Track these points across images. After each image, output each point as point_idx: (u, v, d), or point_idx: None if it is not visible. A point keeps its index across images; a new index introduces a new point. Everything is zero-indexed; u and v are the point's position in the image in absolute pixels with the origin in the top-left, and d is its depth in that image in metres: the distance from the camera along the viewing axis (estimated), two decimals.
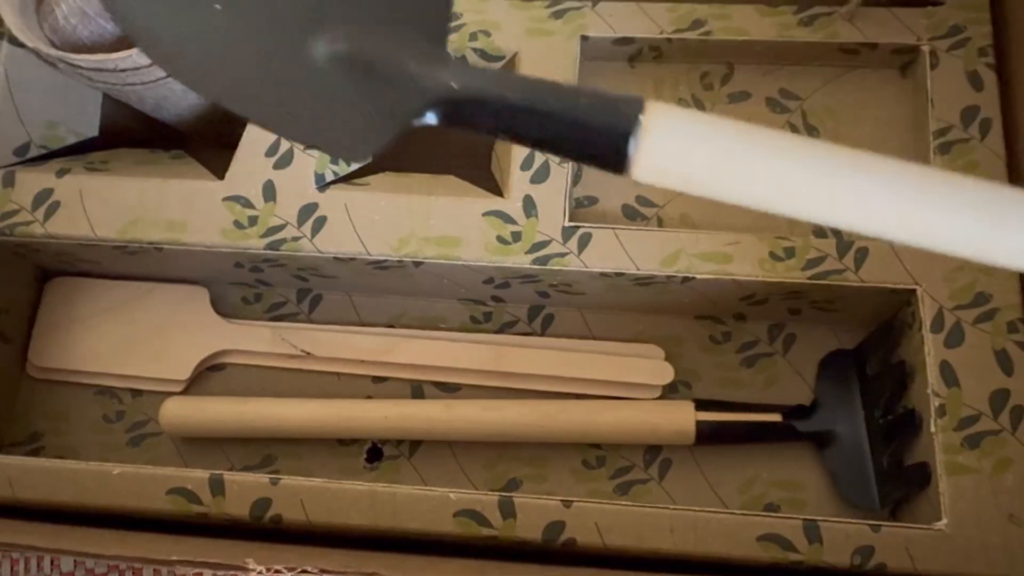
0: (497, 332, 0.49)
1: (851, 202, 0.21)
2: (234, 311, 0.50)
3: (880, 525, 0.38)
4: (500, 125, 0.24)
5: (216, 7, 0.26)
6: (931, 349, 0.41)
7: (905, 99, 0.48)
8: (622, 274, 0.43)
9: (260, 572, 0.39)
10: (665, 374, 0.46)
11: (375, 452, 0.47)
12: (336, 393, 0.48)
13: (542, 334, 0.49)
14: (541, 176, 0.45)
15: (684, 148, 0.21)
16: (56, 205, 0.46)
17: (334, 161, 0.46)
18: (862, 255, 0.43)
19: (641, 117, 0.21)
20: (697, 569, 0.39)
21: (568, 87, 0.23)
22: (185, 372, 0.48)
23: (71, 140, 0.49)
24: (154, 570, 0.50)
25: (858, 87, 0.49)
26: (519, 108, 0.23)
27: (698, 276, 0.43)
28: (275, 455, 0.48)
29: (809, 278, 0.43)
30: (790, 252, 0.43)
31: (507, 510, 0.40)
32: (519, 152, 0.45)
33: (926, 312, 0.42)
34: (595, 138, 0.22)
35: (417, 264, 0.44)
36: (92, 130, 0.49)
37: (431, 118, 0.24)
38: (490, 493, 0.40)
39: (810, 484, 0.45)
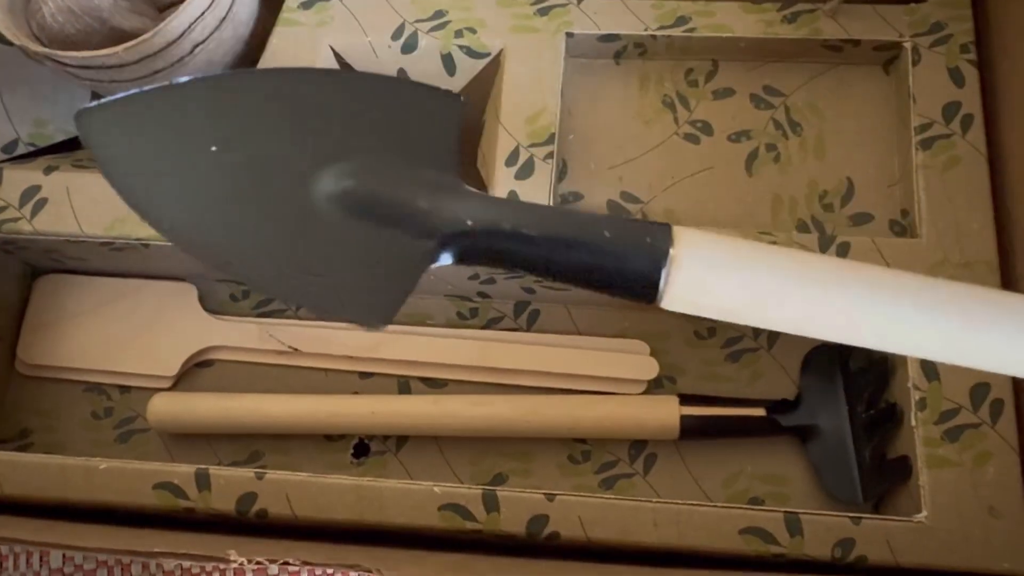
0: (483, 328, 0.49)
1: (877, 327, 0.21)
2: (222, 308, 0.50)
3: (861, 518, 0.38)
4: (519, 262, 0.22)
5: (212, 149, 0.24)
6: None
7: (888, 95, 0.48)
8: None
9: (241, 563, 0.39)
10: (650, 369, 0.46)
11: (362, 447, 0.48)
12: (323, 389, 0.48)
13: (528, 330, 0.49)
14: (526, 172, 0.45)
15: (714, 280, 0.21)
16: (43, 202, 0.46)
17: None
18: (843, 250, 0.43)
19: (671, 251, 0.20)
20: (680, 562, 0.39)
21: (590, 217, 0.21)
22: (173, 369, 0.48)
23: (59, 138, 0.49)
24: (142, 564, 0.50)
25: (841, 83, 0.49)
26: (540, 242, 0.21)
27: None
28: (262, 451, 0.48)
29: None
30: None
31: (491, 504, 0.40)
32: (504, 147, 0.45)
33: None
34: (624, 272, 0.21)
35: None
36: None
37: (447, 259, 0.23)
38: (474, 487, 0.40)
39: (794, 478, 0.45)
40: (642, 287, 0.21)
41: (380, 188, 0.23)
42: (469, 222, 0.22)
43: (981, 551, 0.38)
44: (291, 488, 0.41)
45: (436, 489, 0.40)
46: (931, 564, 0.38)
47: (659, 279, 0.20)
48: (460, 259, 0.23)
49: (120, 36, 0.44)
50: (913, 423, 0.40)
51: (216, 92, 0.25)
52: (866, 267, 0.22)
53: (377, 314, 0.23)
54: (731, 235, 0.42)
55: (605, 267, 0.21)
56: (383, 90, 0.26)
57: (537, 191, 0.44)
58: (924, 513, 0.39)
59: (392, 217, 0.23)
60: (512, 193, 0.44)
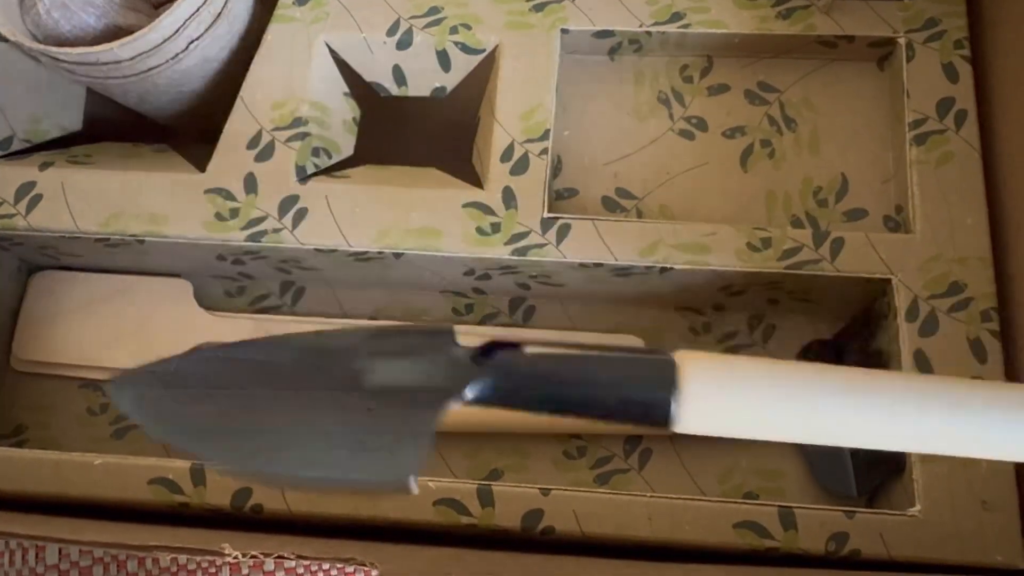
0: (479, 324, 0.49)
1: (886, 433, 0.22)
2: (217, 304, 0.50)
3: (854, 511, 0.38)
4: (530, 407, 0.23)
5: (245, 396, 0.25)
6: (905, 338, 0.41)
7: (882, 91, 0.48)
8: (600, 265, 0.43)
9: (236, 557, 0.39)
10: None
11: None
12: None
13: (523, 325, 0.49)
14: (520, 168, 0.45)
15: (723, 403, 0.21)
16: (38, 198, 0.45)
17: (315, 154, 0.46)
18: (838, 245, 0.43)
19: (677, 379, 0.21)
20: (675, 556, 0.39)
21: (594, 366, 0.22)
22: None
23: (55, 134, 0.48)
24: (138, 560, 0.49)
25: (836, 79, 0.49)
26: (546, 399, 0.23)
27: (676, 267, 0.43)
28: None
29: (786, 268, 0.43)
30: (767, 242, 0.43)
31: (486, 498, 0.40)
32: (499, 144, 0.45)
33: (901, 301, 0.42)
34: (636, 414, 0.22)
35: (397, 256, 0.44)
36: (76, 124, 0.49)
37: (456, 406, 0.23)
38: (468, 482, 0.40)
39: (789, 473, 0.45)
40: (654, 422, 0.22)
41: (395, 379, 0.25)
42: (469, 396, 0.23)
43: (974, 544, 0.38)
44: None
45: (431, 484, 0.40)
46: (925, 557, 0.38)
47: (669, 415, 0.22)
48: (476, 404, 0.24)
49: (115, 32, 0.44)
50: None
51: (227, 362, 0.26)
52: (862, 374, 0.23)
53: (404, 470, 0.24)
54: (725, 229, 0.42)
55: (617, 413, 0.22)
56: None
57: (532, 187, 0.44)
58: (918, 507, 0.38)
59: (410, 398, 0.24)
60: (507, 189, 0.44)
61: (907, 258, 0.42)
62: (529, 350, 0.23)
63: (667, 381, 0.21)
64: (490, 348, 0.24)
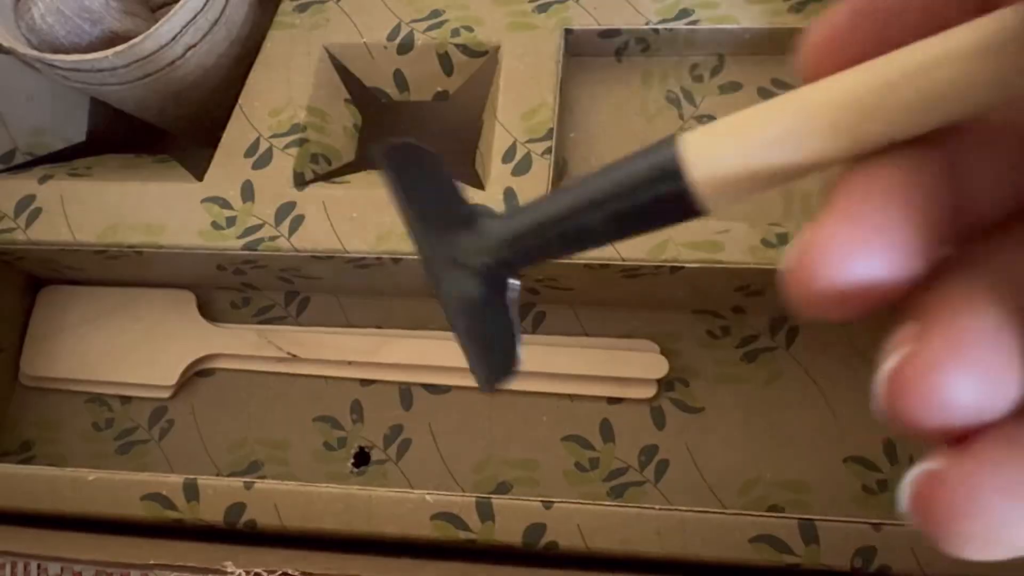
0: None
1: None
2: (222, 316, 0.46)
3: (882, 524, 0.33)
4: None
5: None
6: None
7: None
8: (607, 265, 0.39)
9: (240, 575, 0.36)
10: (659, 367, 0.42)
11: (362, 456, 0.43)
12: (323, 396, 0.44)
13: (534, 332, 0.44)
14: (523, 168, 0.41)
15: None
16: (38, 211, 0.42)
17: (314, 160, 0.43)
18: None
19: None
20: (687, 572, 0.34)
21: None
22: (172, 378, 0.44)
23: (58, 146, 0.45)
24: (141, 575, 0.46)
25: None
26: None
27: (687, 265, 0.38)
28: (262, 461, 0.44)
29: None
30: (783, 238, 0.38)
31: (485, 512, 0.35)
32: (500, 144, 0.41)
33: None
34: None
35: (396, 261, 0.40)
36: (79, 136, 0.46)
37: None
38: (467, 495, 0.36)
39: (815, 485, 0.40)
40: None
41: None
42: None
43: (1015, 560, 0.32)
44: (280, 498, 0.37)
45: (428, 497, 0.36)
46: (961, 574, 0.32)
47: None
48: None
49: (112, 38, 0.41)
50: None
51: None
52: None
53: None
54: (738, 226, 0.37)
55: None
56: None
57: (534, 187, 0.40)
58: None
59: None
60: (508, 190, 0.40)
61: None
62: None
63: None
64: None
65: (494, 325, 0.20)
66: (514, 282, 0.20)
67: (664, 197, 0.18)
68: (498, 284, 0.20)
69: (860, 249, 0.15)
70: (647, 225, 0.19)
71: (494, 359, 0.21)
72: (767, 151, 0.17)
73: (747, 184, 0.18)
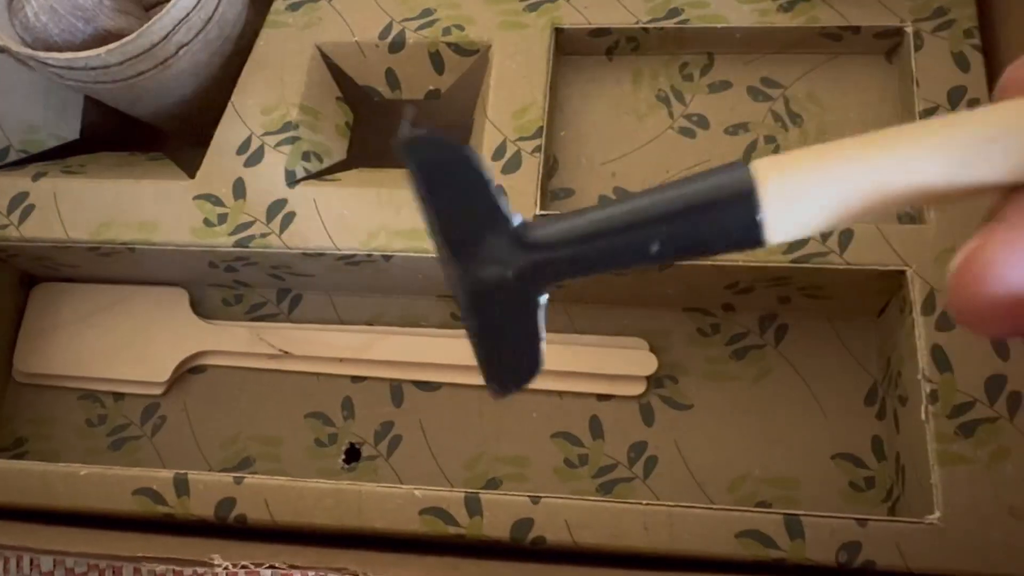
0: None
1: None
2: (214, 313, 0.47)
3: (867, 519, 0.33)
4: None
5: None
6: (922, 333, 0.36)
7: (891, 84, 0.44)
8: None
9: (226, 568, 0.36)
10: (648, 364, 0.42)
11: (353, 453, 0.43)
12: (314, 393, 0.44)
13: None
14: (513, 166, 0.41)
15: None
16: (31, 208, 0.42)
17: (306, 158, 0.43)
18: (847, 237, 0.38)
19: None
20: (674, 567, 0.34)
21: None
22: (164, 374, 0.44)
23: (52, 144, 0.46)
24: (134, 568, 0.46)
25: (843, 73, 0.44)
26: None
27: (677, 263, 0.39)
28: (253, 457, 0.44)
29: (792, 261, 0.38)
30: None
31: (474, 508, 0.35)
32: (491, 141, 0.41)
33: (916, 294, 0.37)
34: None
35: (387, 258, 0.40)
36: (73, 133, 0.46)
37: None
38: (456, 490, 0.36)
39: (803, 482, 0.40)
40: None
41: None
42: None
43: (1000, 554, 0.33)
44: (269, 493, 0.37)
45: (417, 493, 0.36)
46: (945, 569, 0.32)
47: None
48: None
49: (105, 36, 0.41)
50: (924, 417, 0.35)
51: None
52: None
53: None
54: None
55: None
56: None
57: (525, 185, 0.40)
58: (937, 514, 0.33)
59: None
60: (498, 188, 0.40)
61: (921, 249, 0.38)
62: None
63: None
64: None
65: (518, 331, 0.20)
66: (546, 290, 0.20)
67: (737, 245, 0.18)
68: (531, 290, 0.19)
69: None
70: (703, 257, 0.18)
71: (513, 365, 0.20)
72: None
73: (823, 230, 0.17)
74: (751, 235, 0.17)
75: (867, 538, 0.33)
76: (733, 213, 0.17)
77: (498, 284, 0.19)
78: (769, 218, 0.17)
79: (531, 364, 0.20)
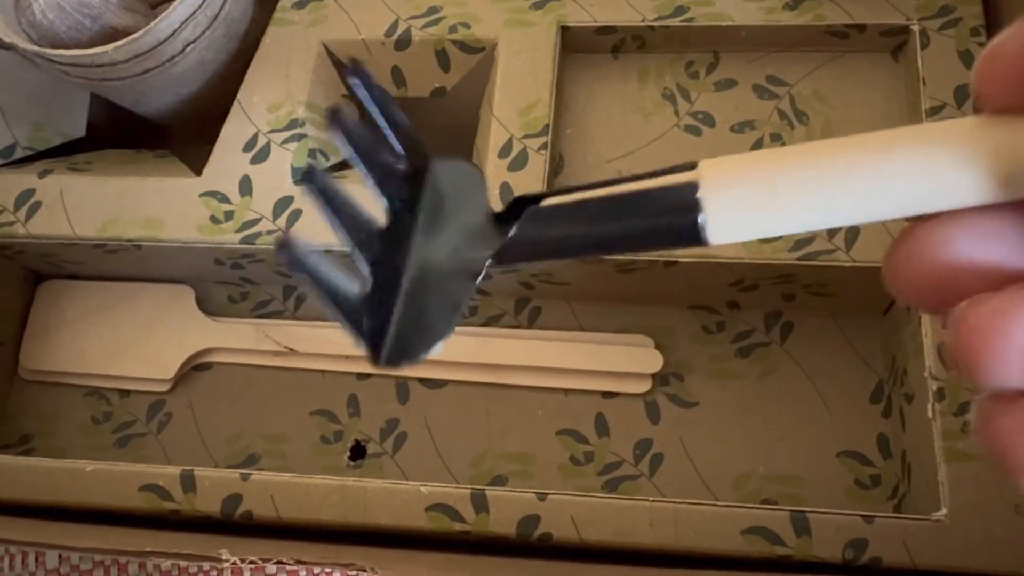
0: (483, 326, 0.45)
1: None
2: (220, 310, 0.47)
3: (874, 516, 0.33)
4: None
5: None
6: (928, 330, 0.36)
7: (897, 82, 0.44)
8: (602, 259, 0.39)
9: (234, 562, 0.36)
10: (654, 362, 0.42)
11: (358, 450, 0.43)
12: (320, 390, 0.44)
13: (530, 326, 0.45)
14: (519, 163, 0.41)
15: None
16: (37, 205, 0.43)
17: (312, 156, 0.43)
18: (853, 234, 0.38)
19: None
20: (680, 563, 0.34)
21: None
22: (170, 371, 0.45)
23: (58, 141, 0.46)
24: (139, 564, 0.46)
25: (849, 71, 0.44)
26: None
27: (681, 260, 0.39)
28: (259, 454, 0.44)
29: (798, 259, 0.38)
30: None
31: (480, 504, 0.35)
32: (497, 139, 0.41)
33: None
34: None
35: None
36: (79, 131, 0.46)
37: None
38: (462, 486, 0.36)
39: (808, 480, 0.40)
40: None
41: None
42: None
43: (1006, 552, 0.33)
44: (276, 489, 0.37)
45: (423, 489, 0.36)
46: (952, 566, 0.32)
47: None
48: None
49: (111, 34, 0.41)
50: (930, 414, 0.35)
51: None
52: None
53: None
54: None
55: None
56: None
57: (530, 182, 0.40)
58: (943, 511, 0.33)
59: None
60: (504, 185, 0.40)
61: None
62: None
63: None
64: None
65: (440, 303, 0.19)
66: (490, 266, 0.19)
67: (676, 242, 0.18)
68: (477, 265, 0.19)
69: (968, 230, 0.16)
70: (646, 250, 0.19)
71: (416, 336, 0.20)
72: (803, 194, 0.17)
73: (762, 237, 0.18)
74: (692, 235, 0.18)
75: (873, 535, 0.33)
76: (675, 213, 0.18)
77: (456, 254, 0.20)
78: (710, 221, 0.17)
79: (434, 340, 0.20)
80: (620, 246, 0.19)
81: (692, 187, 0.18)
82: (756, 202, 0.17)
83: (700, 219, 0.17)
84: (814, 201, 0.17)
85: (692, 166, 0.18)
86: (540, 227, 0.19)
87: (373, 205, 0.20)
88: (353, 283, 0.19)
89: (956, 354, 0.15)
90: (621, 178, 0.19)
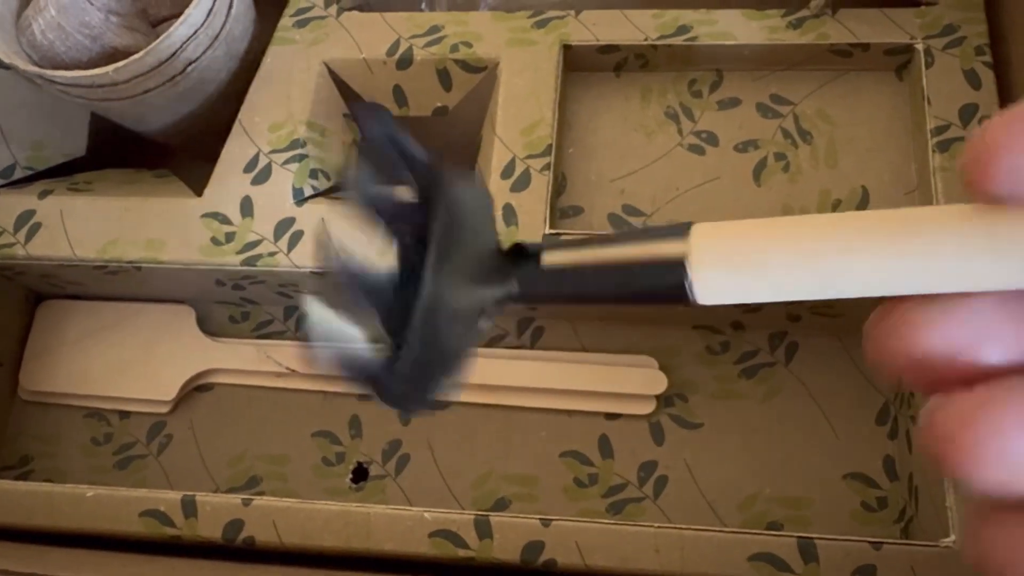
0: (485, 347, 0.44)
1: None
2: (221, 330, 0.46)
3: (882, 543, 0.33)
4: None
5: None
6: None
7: (902, 101, 0.44)
8: None
9: None
10: (658, 383, 0.42)
11: (360, 472, 0.43)
12: (322, 412, 0.44)
13: (532, 347, 0.44)
14: (522, 184, 0.41)
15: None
16: (37, 226, 0.42)
17: (313, 176, 0.43)
18: None
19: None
20: None
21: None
22: (171, 393, 0.44)
23: (58, 161, 0.45)
24: None
25: (853, 90, 0.44)
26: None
27: None
28: (260, 476, 0.44)
29: None
30: None
31: (483, 530, 0.35)
32: (500, 159, 0.41)
33: None
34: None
35: None
36: (79, 150, 0.46)
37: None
38: (465, 512, 0.35)
39: (814, 502, 0.40)
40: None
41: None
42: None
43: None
44: (278, 515, 0.37)
45: (426, 515, 0.36)
46: None
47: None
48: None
49: (112, 54, 0.41)
50: None
51: None
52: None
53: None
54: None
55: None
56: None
57: (533, 203, 0.40)
58: (952, 537, 0.33)
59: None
60: (507, 206, 0.40)
61: None
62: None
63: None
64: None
65: (450, 343, 0.20)
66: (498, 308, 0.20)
67: (664, 300, 0.18)
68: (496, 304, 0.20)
69: (952, 314, 0.16)
70: (645, 303, 0.20)
71: (432, 383, 0.20)
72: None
73: (749, 301, 0.18)
74: (681, 296, 0.18)
75: (881, 561, 0.33)
76: (665, 286, 0.18)
77: (476, 297, 0.20)
78: (698, 285, 0.18)
79: (451, 376, 0.20)
80: (613, 302, 0.20)
81: (681, 264, 0.18)
82: (746, 276, 0.18)
83: (688, 285, 0.18)
84: (805, 278, 0.17)
85: (685, 230, 0.18)
86: (538, 284, 0.20)
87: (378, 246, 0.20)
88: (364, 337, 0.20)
89: (930, 459, 0.15)
90: (618, 235, 0.20)
